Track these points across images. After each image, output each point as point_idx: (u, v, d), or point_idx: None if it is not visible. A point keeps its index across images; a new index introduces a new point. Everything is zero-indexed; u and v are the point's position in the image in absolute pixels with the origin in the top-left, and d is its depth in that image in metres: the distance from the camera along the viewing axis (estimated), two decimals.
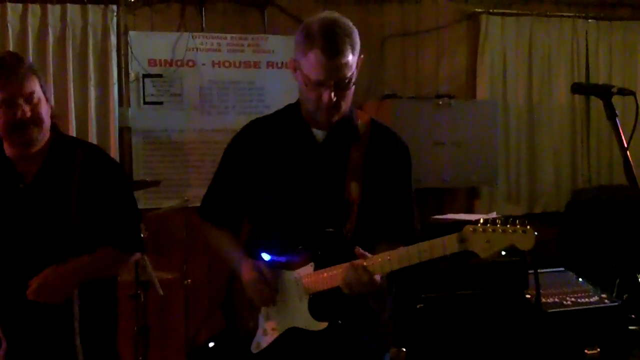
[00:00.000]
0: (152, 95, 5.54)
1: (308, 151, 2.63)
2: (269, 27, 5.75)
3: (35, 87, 2.72)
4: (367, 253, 2.43)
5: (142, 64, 5.49)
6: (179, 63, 5.57)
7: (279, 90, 5.70)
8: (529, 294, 4.58)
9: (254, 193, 2.68)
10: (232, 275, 2.76)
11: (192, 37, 5.58)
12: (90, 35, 5.31)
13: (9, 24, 5.15)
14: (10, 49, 5.10)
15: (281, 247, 2.61)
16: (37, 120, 2.72)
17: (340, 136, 2.63)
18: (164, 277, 4.67)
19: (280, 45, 5.73)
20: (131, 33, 5.48)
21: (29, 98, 2.70)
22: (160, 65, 5.54)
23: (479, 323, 4.45)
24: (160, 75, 5.53)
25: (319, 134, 2.63)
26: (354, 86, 2.55)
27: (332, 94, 2.48)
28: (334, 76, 2.46)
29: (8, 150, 2.80)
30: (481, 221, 2.28)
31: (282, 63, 5.73)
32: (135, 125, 5.51)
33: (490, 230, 2.28)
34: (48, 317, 2.73)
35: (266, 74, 5.75)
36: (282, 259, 2.60)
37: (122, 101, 5.47)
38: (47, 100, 2.80)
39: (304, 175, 2.61)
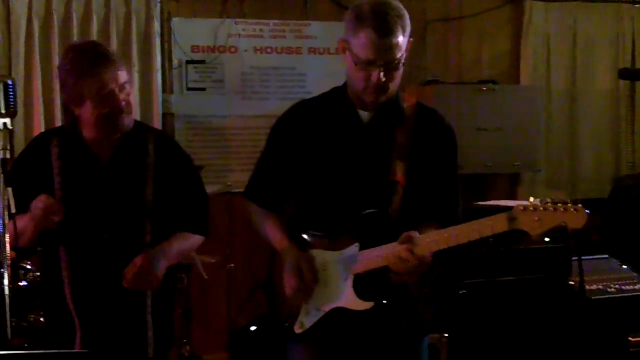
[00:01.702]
0: (194, 81, 5.58)
1: (353, 132, 2.64)
2: (310, 13, 5.76)
3: (126, 76, 2.79)
4: (414, 234, 2.43)
5: (184, 50, 5.54)
6: (221, 49, 5.60)
7: (320, 76, 5.70)
8: (572, 280, 4.54)
9: (298, 173, 2.69)
10: (273, 256, 2.77)
11: (235, 23, 5.61)
12: (133, 22, 5.36)
13: (54, 11, 5.20)
14: (56, 36, 5.18)
15: (326, 228, 2.63)
16: (129, 109, 2.79)
17: (386, 117, 2.64)
18: (206, 261, 4.71)
19: (322, 31, 5.74)
20: (174, 19, 5.52)
21: (123, 87, 2.75)
22: (203, 52, 5.58)
23: (521, 309, 4.42)
24: (202, 62, 5.57)
25: (364, 115, 2.64)
26: (402, 68, 2.56)
27: (381, 74, 2.50)
28: (384, 56, 2.48)
29: (87, 132, 2.82)
30: (531, 200, 2.28)
31: (324, 49, 5.74)
32: (178, 111, 5.55)
33: (541, 209, 2.28)
34: (122, 293, 2.78)
35: (308, 60, 5.76)
36: (327, 239, 2.62)
37: (165, 87, 5.51)
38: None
39: (349, 155, 2.62)
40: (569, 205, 2.27)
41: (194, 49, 5.56)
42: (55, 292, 2.82)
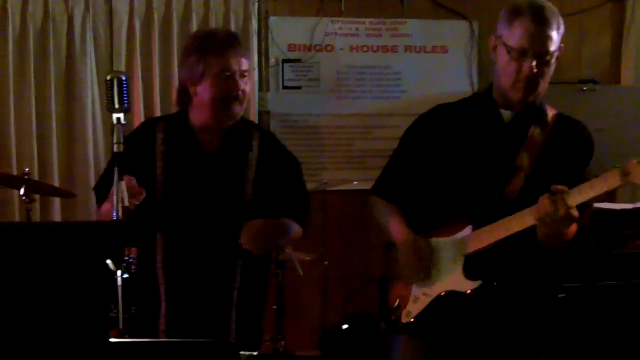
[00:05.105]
0: (290, 79, 5.62)
1: (492, 129, 2.63)
2: (407, 11, 5.73)
3: (247, 66, 2.84)
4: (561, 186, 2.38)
5: (281, 48, 5.59)
6: (317, 48, 5.63)
7: (416, 75, 5.69)
8: None
9: (429, 173, 2.70)
10: (390, 250, 2.78)
11: (331, 22, 5.62)
12: (232, 21, 5.43)
13: (154, 10, 5.32)
14: (156, 34, 5.31)
15: (443, 214, 2.63)
16: (244, 99, 2.84)
17: (527, 119, 2.61)
18: (301, 258, 4.73)
19: (419, 30, 5.70)
20: (271, 18, 5.57)
21: (243, 75, 2.81)
22: (299, 50, 5.61)
23: (623, 315, 4.32)
24: (299, 60, 5.61)
25: (506, 113, 2.63)
26: (553, 67, 2.54)
27: (534, 64, 2.48)
28: (538, 46, 2.48)
29: (197, 118, 2.88)
30: None
31: (420, 47, 5.69)
32: (274, 109, 5.61)
33: None
34: (211, 284, 2.85)
35: (403, 59, 5.72)
36: (443, 227, 2.61)
37: (262, 85, 5.58)
38: None
39: (481, 147, 2.62)
40: None
41: (291, 47, 5.61)
42: (148, 272, 2.88)
